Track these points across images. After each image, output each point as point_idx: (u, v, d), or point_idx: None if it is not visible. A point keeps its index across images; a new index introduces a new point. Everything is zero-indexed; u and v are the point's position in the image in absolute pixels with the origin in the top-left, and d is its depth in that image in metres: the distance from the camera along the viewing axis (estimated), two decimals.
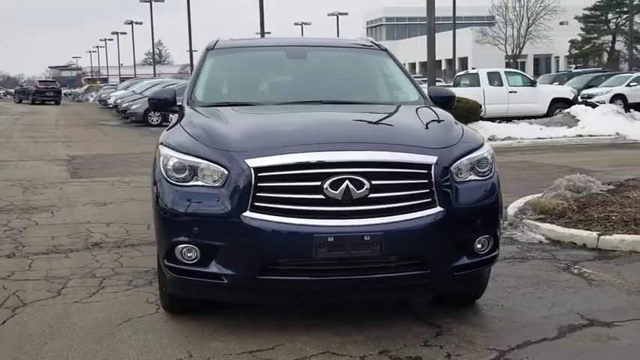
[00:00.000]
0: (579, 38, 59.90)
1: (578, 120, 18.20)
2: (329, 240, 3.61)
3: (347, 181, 3.63)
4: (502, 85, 21.56)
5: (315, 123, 4.30)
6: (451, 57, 49.31)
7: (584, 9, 59.23)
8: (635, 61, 54.65)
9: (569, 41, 60.39)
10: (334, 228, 3.63)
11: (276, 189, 3.68)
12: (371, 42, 5.74)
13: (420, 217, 3.73)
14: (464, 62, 66.42)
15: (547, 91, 22.42)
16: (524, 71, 38.97)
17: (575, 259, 5.61)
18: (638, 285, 4.90)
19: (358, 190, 3.64)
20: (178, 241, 3.84)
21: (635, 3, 56.91)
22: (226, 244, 3.74)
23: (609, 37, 59.35)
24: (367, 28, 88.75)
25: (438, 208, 3.77)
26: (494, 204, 4.04)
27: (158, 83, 30.46)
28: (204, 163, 3.84)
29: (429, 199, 3.76)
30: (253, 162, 3.70)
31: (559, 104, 21.34)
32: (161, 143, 4.17)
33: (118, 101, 31.09)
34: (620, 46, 59.35)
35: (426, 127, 4.18)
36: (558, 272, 5.26)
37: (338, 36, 68.51)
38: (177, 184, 3.89)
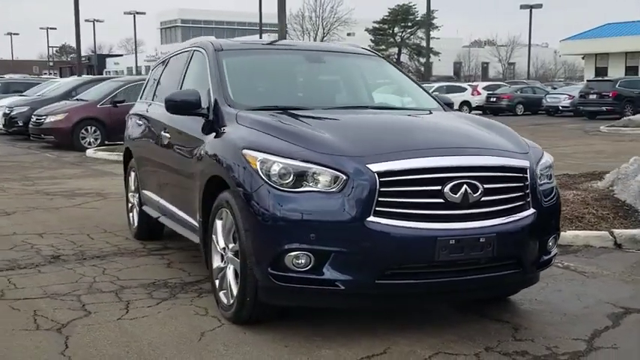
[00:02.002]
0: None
1: None
2: (450, 242, 3.72)
3: (465, 185, 3.76)
4: None
5: (408, 128, 4.36)
6: None
7: (374, 22, 62.99)
8: (415, 72, 59.21)
9: None
10: (455, 231, 3.74)
11: (398, 193, 3.71)
12: (370, 50, 5.87)
13: (522, 219, 3.96)
14: None
15: None
16: None
17: None
18: (628, 274, 5.50)
19: (474, 193, 3.78)
20: (290, 248, 3.72)
21: (417, 19, 61.83)
22: (346, 250, 3.69)
23: (396, 49, 63.68)
24: (161, 29, 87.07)
25: (532, 210, 4.02)
26: (559, 204, 4.38)
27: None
28: (315, 167, 3.75)
29: (525, 202, 4.00)
30: (376, 167, 3.69)
31: None
32: (248, 148, 3.98)
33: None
34: (404, 58, 63.97)
35: (498, 134, 4.40)
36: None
37: (135, 35, 66.57)
38: (286, 190, 3.76)
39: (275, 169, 3.80)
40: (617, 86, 30.69)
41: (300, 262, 3.73)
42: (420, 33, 61.79)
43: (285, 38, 17.92)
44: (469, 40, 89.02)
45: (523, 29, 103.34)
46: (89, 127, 16.44)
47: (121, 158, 14.19)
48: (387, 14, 61.52)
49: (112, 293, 4.87)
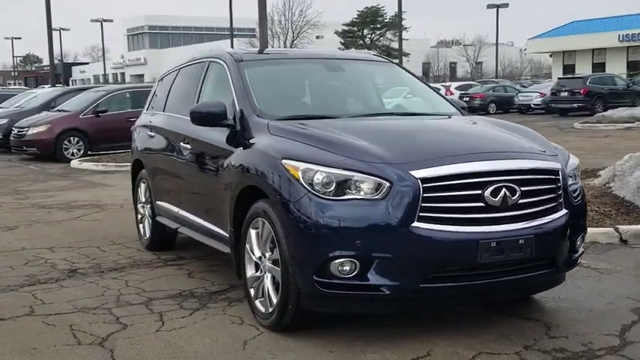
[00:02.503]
0: None
1: None
2: (492, 245, 3.82)
3: (504, 189, 3.86)
4: None
5: (441, 134, 4.46)
6: None
7: (343, 24, 63.27)
8: None
9: None
10: (496, 233, 3.84)
11: (440, 198, 3.80)
12: (381, 56, 5.96)
13: (556, 219, 4.08)
14: None
15: None
16: None
17: None
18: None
19: (512, 196, 3.89)
20: (336, 255, 3.78)
21: (386, 21, 62.24)
22: (391, 256, 3.77)
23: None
24: (128, 35, 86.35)
25: (565, 210, 4.15)
26: (585, 204, 4.52)
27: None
28: (357, 175, 3.82)
29: (558, 203, 4.12)
30: (419, 173, 3.78)
31: None
32: (288, 158, 4.03)
33: None
34: None
35: (527, 137, 4.51)
36: None
37: (103, 42, 65.98)
38: (330, 198, 3.82)
39: (318, 178, 3.86)
40: (587, 83, 31.21)
41: (345, 268, 3.80)
42: (389, 34, 62.21)
43: (267, 43, 17.91)
44: (436, 40, 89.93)
45: (490, 29, 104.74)
46: (72, 138, 16.31)
47: (108, 169, 14.14)
48: (356, 17, 61.89)
49: (142, 305, 4.89)
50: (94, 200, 10.14)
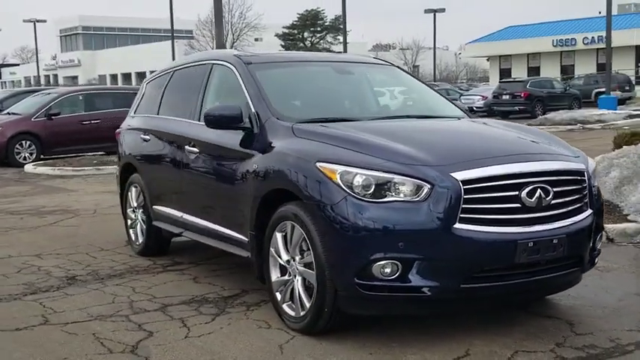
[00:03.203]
0: None
1: None
2: (529, 245, 3.90)
3: (539, 189, 3.95)
4: None
5: (469, 136, 4.53)
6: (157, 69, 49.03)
7: (283, 27, 63.25)
8: None
9: None
10: (533, 233, 3.92)
11: (479, 200, 3.86)
12: (381, 59, 6.00)
13: (584, 219, 4.19)
14: None
15: None
16: None
17: None
18: (636, 267, 5.86)
19: (546, 197, 3.98)
20: (378, 257, 3.80)
21: (326, 24, 62.56)
22: (433, 257, 3.80)
23: None
24: (61, 36, 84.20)
25: (590, 210, 4.27)
26: (603, 205, 4.65)
27: None
28: (397, 177, 3.84)
29: (584, 203, 4.24)
30: (460, 175, 3.83)
31: None
32: (323, 161, 4.02)
33: None
34: None
35: (547, 140, 4.61)
36: None
37: (36, 43, 64.11)
38: (370, 200, 3.83)
39: (358, 180, 3.86)
40: (527, 86, 32.10)
41: (387, 270, 3.82)
42: (330, 37, 62.53)
43: (224, 44, 17.78)
44: (372, 44, 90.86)
45: (427, 33, 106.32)
46: (24, 142, 15.81)
47: (66, 173, 13.77)
48: (297, 19, 61.94)
49: (159, 312, 4.79)
50: (62, 206, 9.87)
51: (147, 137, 6.30)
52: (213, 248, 5.33)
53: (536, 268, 4.04)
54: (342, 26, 59.43)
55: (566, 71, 48.86)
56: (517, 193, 3.91)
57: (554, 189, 4.04)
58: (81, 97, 16.95)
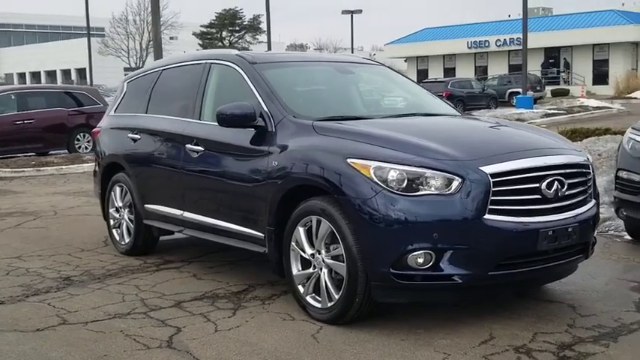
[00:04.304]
0: None
1: None
2: (549, 233, 4.18)
3: (556, 182, 4.24)
4: None
5: (483, 133, 4.83)
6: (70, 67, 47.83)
7: (201, 26, 62.55)
8: None
9: None
10: (552, 222, 4.21)
11: (506, 192, 4.11)
12: (372, 59, 6.20)
13: (590, 208, 4.53)
14: (82, 73, 64.98)
15: None
16: None
17: None
18: (609, 255, 6.25)
19: (562, 188, 4.27)
20: (413, 248, 3.99)
21: (245, 23, 62.34)
22: (465, 246, 4.03)
23: None
24: None
25: (594, 200, 4.60)
26: (599, 196, 5.00)
27: None
28: (430, 172, 4.05)
29: (589, 194, 4.56)
30: (489, 169, 4.07)
31: None
32: (354, 157, 4.18)
33: None
34: None
35: (551, 136, 4.92)
36: None
37: None
38: (406, 194, 4.02)
39: (393, 175, 4.04)
40: (449, 87, 33.11)
41: (420, 260, 4.02)
42: (248, 37, 62.35)
43: (160, 44, 17.58)
44: (288, 44, 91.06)
45: (345, 34, 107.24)
46: None
47: (5, 175, 13.37)
48: (215, 18, 61.37)
49: (175, 308, 4.82)
50: (17, 208, 9.61)
51: (136, 136, 6.27)
52: (203, 245, 5.34)
53: (555, 254, 4.33)
54: (260, 26, 59.69)
55: (480, 72, 50.57)
56: (538, 185, 4.19)
57: (568, 181, 4.34)
58: (13, 97, 16.42)
